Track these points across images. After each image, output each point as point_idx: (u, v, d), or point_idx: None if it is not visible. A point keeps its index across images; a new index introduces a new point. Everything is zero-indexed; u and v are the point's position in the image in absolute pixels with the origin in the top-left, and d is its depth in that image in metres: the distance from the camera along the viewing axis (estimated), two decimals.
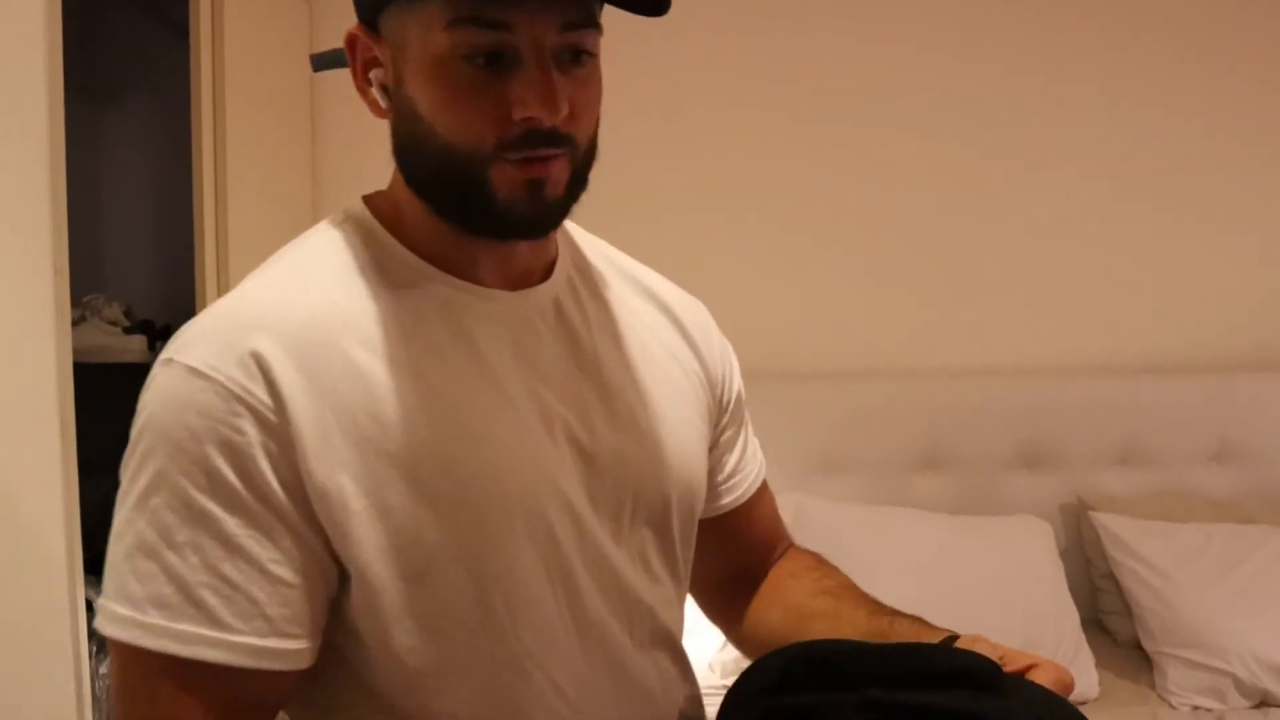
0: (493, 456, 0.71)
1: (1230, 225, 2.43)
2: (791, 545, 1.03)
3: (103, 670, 1.67)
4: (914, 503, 2.20)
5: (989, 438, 2.29)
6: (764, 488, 0.99)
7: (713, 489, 0.93)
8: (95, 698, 1.51)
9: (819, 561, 0.99)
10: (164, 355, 0.69)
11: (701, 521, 0.91)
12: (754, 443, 0.99)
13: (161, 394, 0.67)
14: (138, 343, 2.16)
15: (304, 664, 0.69)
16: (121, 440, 0.70)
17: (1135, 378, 2.37)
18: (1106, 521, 2.20)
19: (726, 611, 1.00)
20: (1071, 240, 2.41)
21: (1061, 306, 2.42)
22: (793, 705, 0.78)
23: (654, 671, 0.83)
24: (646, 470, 0.80)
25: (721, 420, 0.92)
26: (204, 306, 1.72)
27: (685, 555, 0.87)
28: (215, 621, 0.65)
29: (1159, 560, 2.10)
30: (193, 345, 0.68)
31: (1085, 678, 1.95)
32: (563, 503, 0.74)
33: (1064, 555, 2.23)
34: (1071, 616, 2.04)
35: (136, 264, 2.41)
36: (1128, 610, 2.13)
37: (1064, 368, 2.39)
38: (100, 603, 0.67)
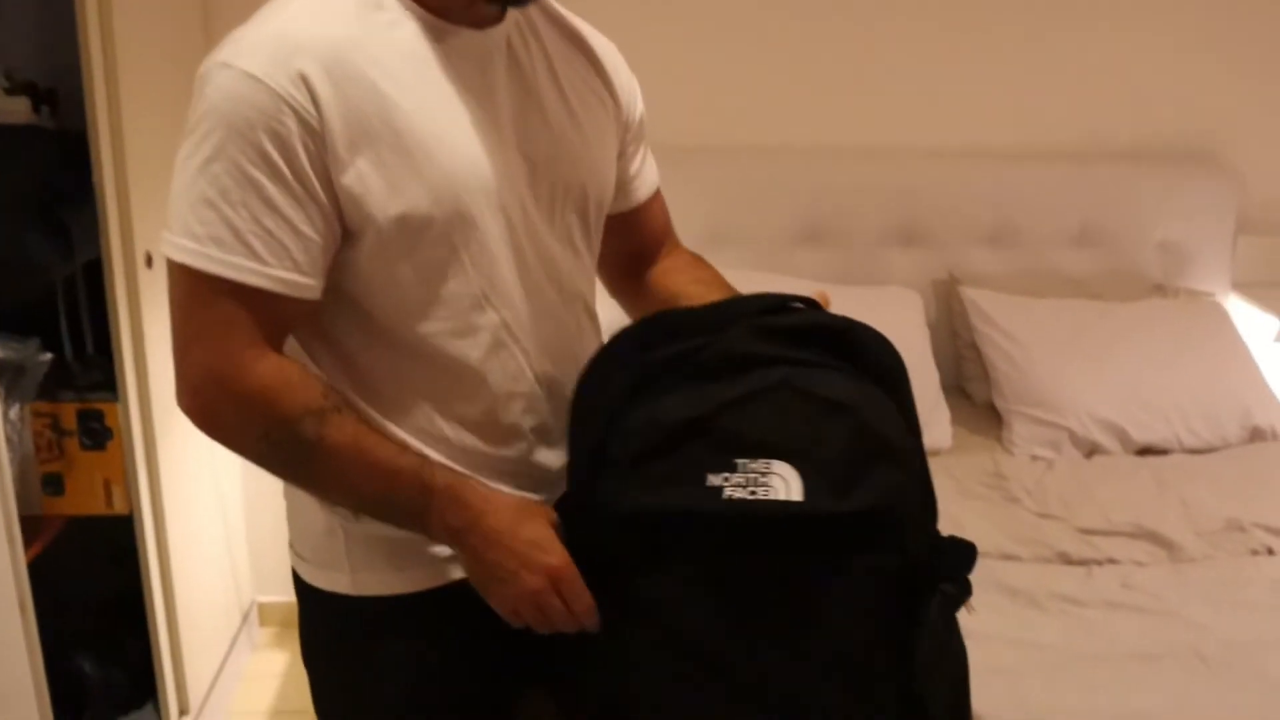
0: (472, 157, 0.95)
1: (1100, 18, 2.48)
2: (678, 246, 1.27)
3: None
4: (796, 275, 2.32)
5: (868, 215, 2.41)
6: (659, 196, 1.25)
7: (623, 187, 1.18)
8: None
9: (698, 259, 1.25)
10: (220, 59, 0.88)
11: (614, 215, 1.16)
12: (651, 159, 1.23)
13: (223, 89, 0.87)
14: (21, 104, 2.10)
15: (315, 297, 0.93)
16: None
17: (1007, 162, 2.48)
18: (974, 296, 2.37)
19: (625, 290, 1.25)
20: (950, 28, 2.45)
21: (939, 91, 2.48)
22: (669, 356, 0.94)
23: (574, 322, 1.09)
24: (573, 173, 1.05)
25: (627, 136, 1.16)
26: (88, 70, 1.71)
27: (597, 237, 1.12)
28: (258, 257, 0.88)
29: (1017, 330, 2.29)
30: (249, 55, 0.87)
31: (940, 432, 2.17)
32: (516, 194, 0.99)
33: (934, 327, 2.41)
34: (933, 378, 2.24)
35: (18, 26, 2.32)
36: (986, 376, 2.33)
37: (940, 151, 2.48)
38: (166, 236, 0.89)
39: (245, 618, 2.46)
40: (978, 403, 2.38)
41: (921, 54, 2.46)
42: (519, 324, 1.01)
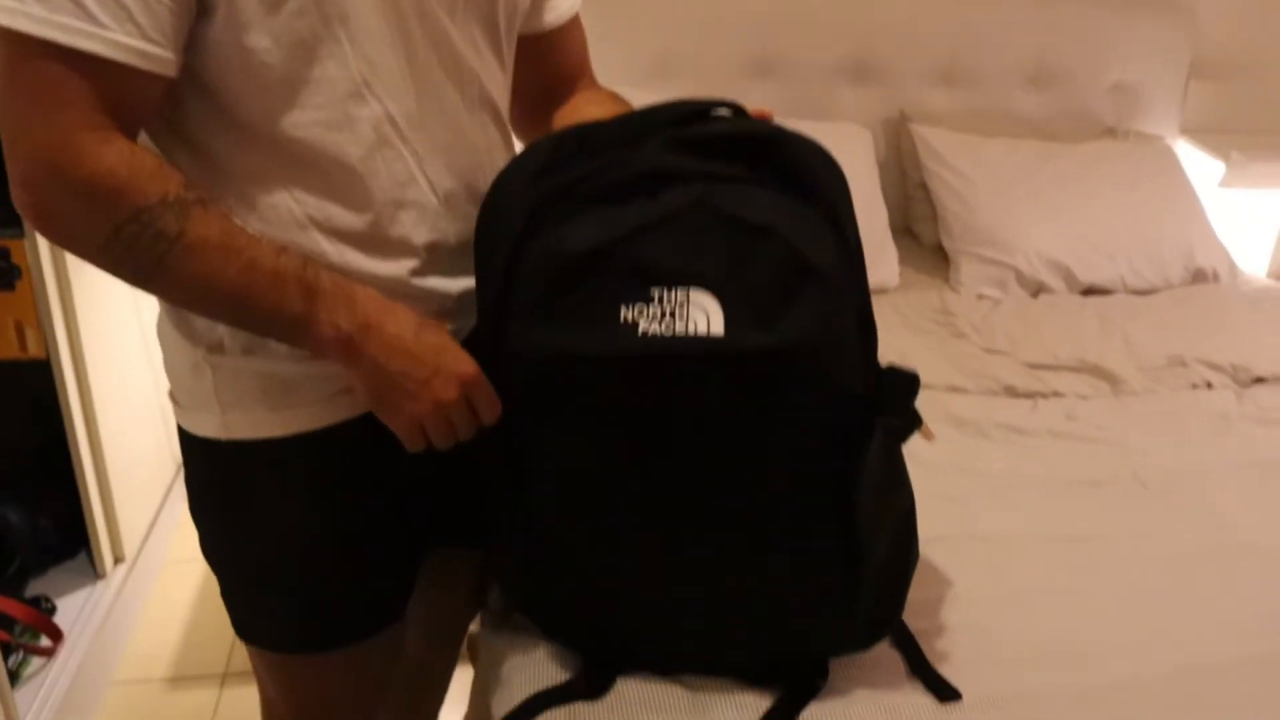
0: None
1: None
2: (594, 82, 1.15)
3: None
4: None
5: (819, 49, 2.32)
6: (577, 25, 1.12)
7: (538, 5, 1.05)
8: None
9: (615, 95, 1.13)
10: None
11: (526, 37, 1.05)
12: None
13: None
14: None
15: (167, 72, 0.80)
16: None
17: None
18: (924, 134, 2.31)
19: (531, 130, 1.13)
20: None
21: None
22: (573, 179, 0.86)
23: (481, 131, 0.97)
24: None
25: None
26: None
27: (509, 49, 1.00)
28: (91, 18, 0.74)
29: (967, 169, 2.25)
30: None
31: (888, 270, 2.14)
32: None
33: (884, 166, 2.36)
34: (881, 217, 2.20)
35: None
36: (934, 217, 2.30)
37: None
38: None
39: (180, 463, 2.39)
40: (925, 244, 2.36)
41: None
42: (408, 120, 0.89)
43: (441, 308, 0.96)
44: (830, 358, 0.88)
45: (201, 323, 0.92)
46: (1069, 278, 2.15)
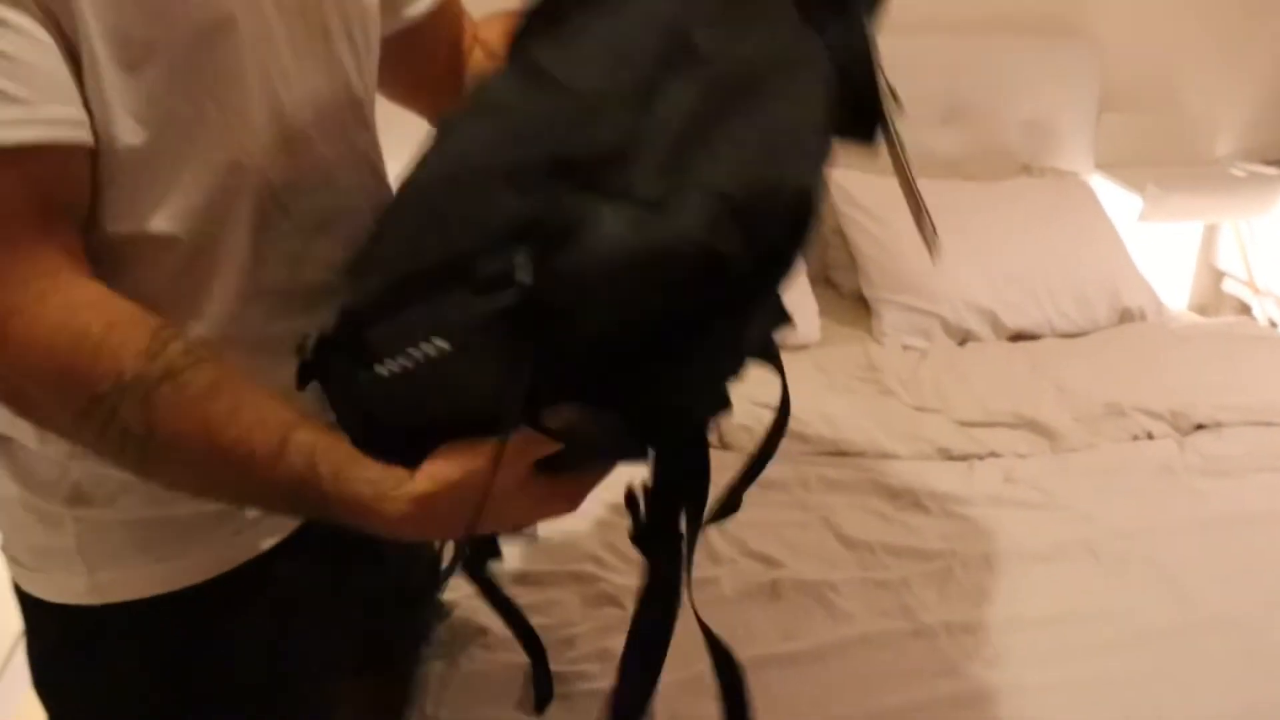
0: None
1: None
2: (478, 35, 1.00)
3: None
4: None
5: None
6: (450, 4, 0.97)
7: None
8: None
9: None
10: None
11: (405, 33, 0.91)
12: None
13: None
14: None
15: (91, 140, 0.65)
16: None
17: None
18: (838, 177, 2.21)
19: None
20: None
21: None
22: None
23: (358, 184, 0.83)
24: None
25: None
26: None
27: (373, 74, 0.85)
28: (13, 99, 0.61)
29: (882, 212, 2.14)
30: None
31: (808, 324, 2.01)
32: (256, 13, 0.71)
33: None
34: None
35: None
36: (854, 264, 2.19)
37: None
38: None
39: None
40: (845, 293, 2.24)
41: None
42: (286, 189, 0.76)
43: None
44: None
45: (51, 468, 0.75)
46: (995, 323, 2.06)
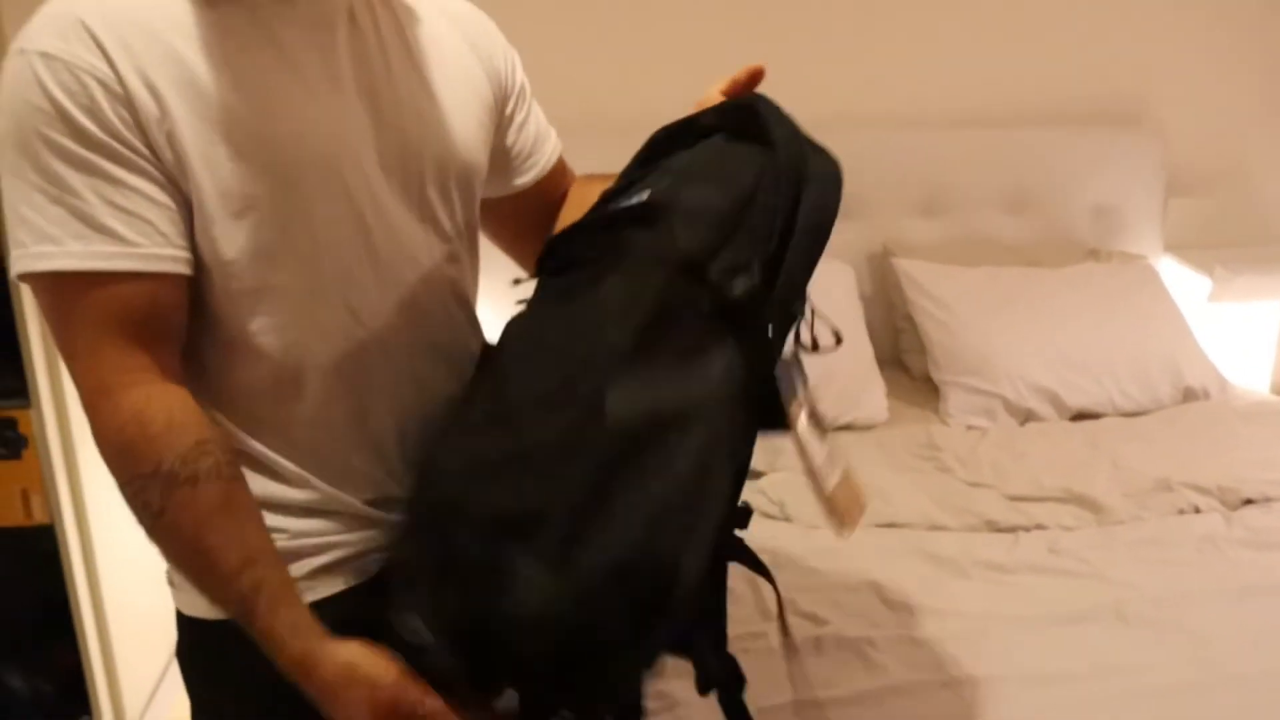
0: (295, 127, 0.85)
1: None
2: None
3: None
4: None
5: None
6: (561, 166, 1.13)
7: (514, 168, 1.09)
8: None
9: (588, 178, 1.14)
10: (15, 47, 0.79)
11: (514, 196, 1.09)
12: (545, 127, 1.11)
13: (22, 78, 0.78)
14: None
15: (188, 272, 0.84)
16: None
17: (937, 131, 2.48)
18: (907, 266, 2.36)
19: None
20: None
21: (866, 61, 2.48)
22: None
23: (443, 313, 0.99)
24: (428, 146, 0.94)
25: (508, 107, 1.06)
26: None
27: (468, 220, 1.01)
28: (123, 240, 0.79)
29: (950, 300, 2.28)
30: (39, 34, 0.78)
31: (876, 405, 2.15)
32: (355, 165, 0.88)
33: (870, 300, 2.41)
34: (867, 352, 2.23)
35: None
36: (923, 349, 2.33)
37: (870, 121, 2.47)
38: (17, 254, 0.80)
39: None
40: (915, 375, 2.38)
41: (849, 24, 2.45)
42: (368, 311, 0.92)
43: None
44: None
45: None
46: (1057, 403, 2.16)
